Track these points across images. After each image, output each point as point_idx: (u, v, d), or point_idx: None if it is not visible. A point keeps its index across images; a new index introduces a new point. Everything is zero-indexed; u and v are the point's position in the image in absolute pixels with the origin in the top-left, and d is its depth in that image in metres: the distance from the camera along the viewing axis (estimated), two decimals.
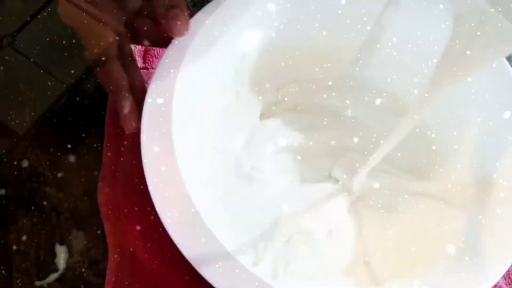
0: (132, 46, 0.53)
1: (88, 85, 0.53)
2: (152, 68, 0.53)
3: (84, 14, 0.43)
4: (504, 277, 0.47)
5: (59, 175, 0.50)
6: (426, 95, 0.41)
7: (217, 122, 0.48)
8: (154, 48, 0.54)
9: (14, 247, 0.47)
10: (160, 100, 0.43)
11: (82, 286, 0.46)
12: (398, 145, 0.44)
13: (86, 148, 0.51)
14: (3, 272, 0.46)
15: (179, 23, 0.44)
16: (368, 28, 0.50)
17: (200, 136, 0.46)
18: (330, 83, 0.51)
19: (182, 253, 0.40)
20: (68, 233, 0.48)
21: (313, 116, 0.53)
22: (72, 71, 0.48)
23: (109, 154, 0.50)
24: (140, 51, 0.53)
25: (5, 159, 0.50)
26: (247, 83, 0.51)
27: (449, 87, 0.40)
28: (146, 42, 0.48)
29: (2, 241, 0.47)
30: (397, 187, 0.49)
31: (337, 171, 0.50)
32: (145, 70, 0.53)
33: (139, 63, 0.53)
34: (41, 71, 0.48)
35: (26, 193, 0.49)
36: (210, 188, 0.45)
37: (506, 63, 0.47)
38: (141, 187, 0.49)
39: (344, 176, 0.50)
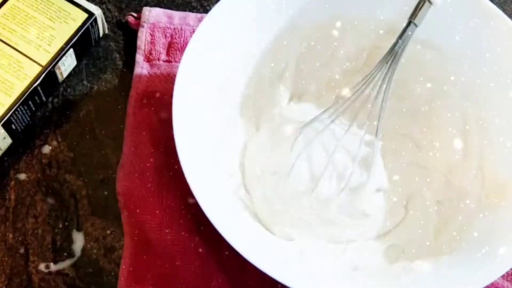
0: (157, 39, 0.54)
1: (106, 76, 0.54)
2: (176, 61, 0.53)
3: None
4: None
5: (79, 162, 0.50)
6: None
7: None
8: (177, 41, 0.54)
9: (32, 231, 0.48)
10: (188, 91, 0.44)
11: (96, 273, 0.47)
12: None
13: (106, 136, 0.52)
14: (20, 255, 0.47)
15: None
16: None
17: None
18: None
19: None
20: (85, 220, 0.48)
21: None
22: (49, 52, 0.49)
23: (129, 143, 0.50)
24: (164, 44, 0.54)
25: (26, 145, 0.50)
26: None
27: None
28: None
29: (20, 225, 0.48)
30: None
31: None
32: (168, 63, 0.53)
33: (163, 55, 0.54)
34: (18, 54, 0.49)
35: (45, 179, 0.49)
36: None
37: None
38: (158, 178, 0.50)
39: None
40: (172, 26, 0.55)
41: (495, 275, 0.41)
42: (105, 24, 0.54)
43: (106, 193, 0.49)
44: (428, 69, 0.52)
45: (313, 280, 0.42)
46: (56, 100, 0.52)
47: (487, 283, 0.41)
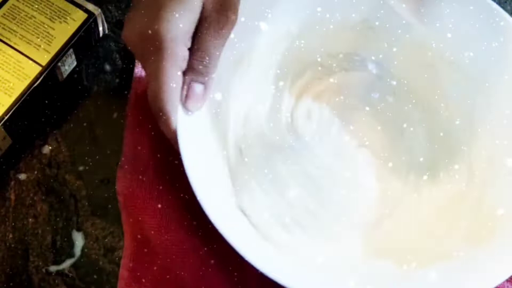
0: None
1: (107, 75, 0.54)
2: None
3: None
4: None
5: (79, 162, 0.50)
6: None
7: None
8: None
9: (32, 231, 0.48)
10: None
11: (96, 273, 0.47)
12: None
13: (106, 136, 0.52)
14: (20, 255, 0.47)
15: (193, 101, 0.43)
16: None
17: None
18: None
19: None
20: (85, 220, 0.48)
21: None
22: (49, 52, 0.49)
23: (128, 143, 0.50)
24: None
25: (26, 145, 0.50)
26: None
27: None
28: None
29: (20, 225, 0.48)
30: None
31: None
32: None
33: None
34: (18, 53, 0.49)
35: (45, 179, 0.49)
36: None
37: None
38: (158, 178, 0.50)
39: None
40: None
41: (498, 279, 0.41)
42: (105, 24, 0.54)
43: (106, 193, 0.49)
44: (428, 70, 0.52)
45: (317, 283, 0.42)
46: (56, 100, 0.52)
47: (490, 287, 0.41)
